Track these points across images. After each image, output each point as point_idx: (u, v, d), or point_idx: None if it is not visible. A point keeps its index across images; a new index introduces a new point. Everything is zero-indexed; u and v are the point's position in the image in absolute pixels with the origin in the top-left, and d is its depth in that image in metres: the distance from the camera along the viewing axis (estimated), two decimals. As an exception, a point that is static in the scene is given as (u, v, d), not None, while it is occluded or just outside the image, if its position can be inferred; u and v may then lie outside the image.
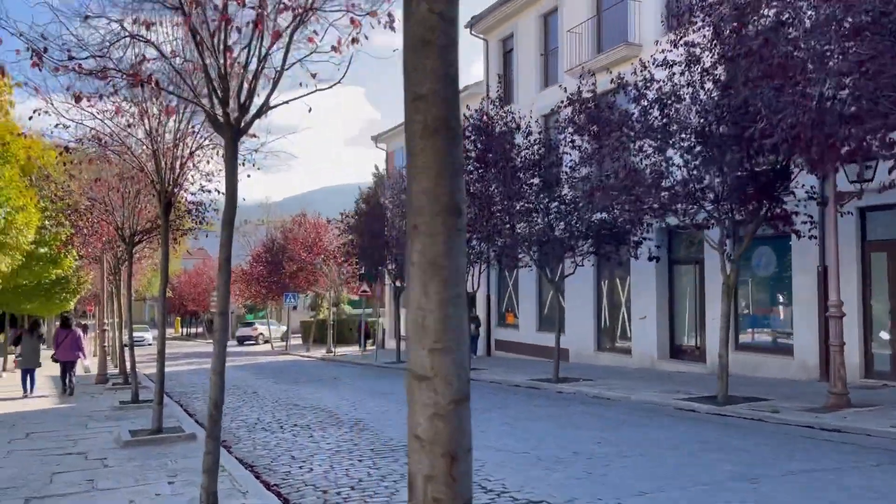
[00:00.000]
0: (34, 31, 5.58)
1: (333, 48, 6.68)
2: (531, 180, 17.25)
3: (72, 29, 5.69)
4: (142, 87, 5.90)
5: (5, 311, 29.47)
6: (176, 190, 10.14)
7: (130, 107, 9.21)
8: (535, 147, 17.49)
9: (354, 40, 6.22)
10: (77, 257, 20.87)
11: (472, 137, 17.88)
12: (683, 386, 15.02)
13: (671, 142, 12.66)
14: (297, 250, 37.08)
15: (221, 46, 5.76)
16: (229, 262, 6.22)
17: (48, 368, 22.34)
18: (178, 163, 9.64)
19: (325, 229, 37.04)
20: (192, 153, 9.74)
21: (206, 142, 9.65)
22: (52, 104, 8.98)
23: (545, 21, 24.45)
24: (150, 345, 49.85)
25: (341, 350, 35.07)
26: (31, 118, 8.71)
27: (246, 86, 6.01)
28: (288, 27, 5.82)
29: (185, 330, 77.84)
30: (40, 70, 5.50)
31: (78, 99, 6.25)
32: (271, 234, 44.16)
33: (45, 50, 5.53)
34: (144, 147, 10.21)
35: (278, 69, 6.52)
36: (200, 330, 73.91)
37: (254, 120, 6.19)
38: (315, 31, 6.33)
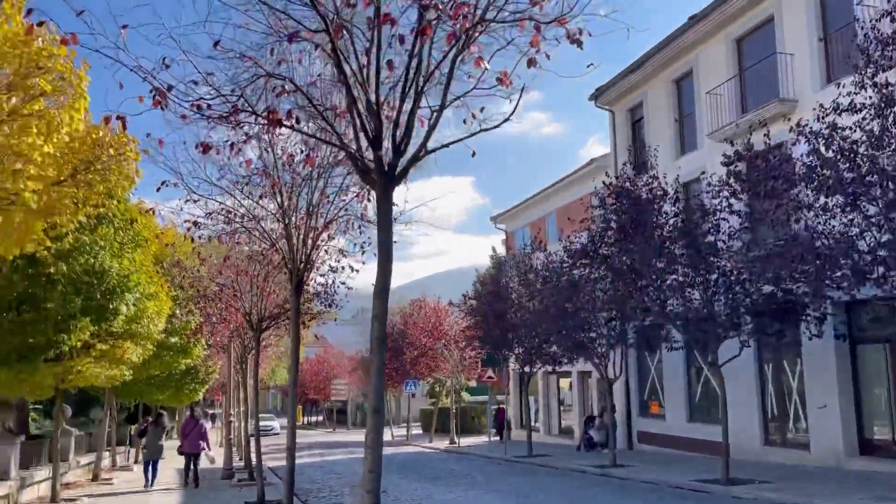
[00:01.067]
0: (154, 71, 4.64)
1: (499, 80, 5.43)
2: (682, 250, 15.36)
3: (199, 68, 4.72)
4: (279, 125, 4.87)
5: (138, 401, 29.78)
6: (307, 268, 9.20)
7: (261, 163, 8.33)
8: (684, 214, 15.69)
9: (531, 62, 4.93)
10: (206, 346, 20.52)
11: (615, 205, 16.29)
12: (889, 491, 12.26)
13: (871, 196, 10.60)
14: (418, 335, 36.02)
15: (374, 69, 4.62)
16: (384, 342, 4.92)
17: (175, 461, 21.95)
18: (311, 235, 8.65)
19: (446, 313, 35.90)
20: (327, 224, 8.74)
21: (346, 204, 8.59)
22: (180, 176, 8.33)
23: (678, 86, 22.93)
24: (276, 433, 49.62)
25: (465, 441, 33.12)
26: (158, 189, 8.08)
27: (402, 124, 4.83)
28: (453, 47, 4.65)
29: (305, 418, 78.06)
30: (163, 110, 4.53)
31: (206, 149, 5.27)
32: (390, 320, 43.55)
33: (170, 88, 4.57)
34: (276, 223, 9.42)
35: (435, 108, 5.34)
36: (321, 418, 73.88)
37: (409, 166, 4.99)
38: (480, 57, 5.13)
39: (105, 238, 9.93)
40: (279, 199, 8.91)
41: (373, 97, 4.75)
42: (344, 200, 8.69)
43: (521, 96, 5.32)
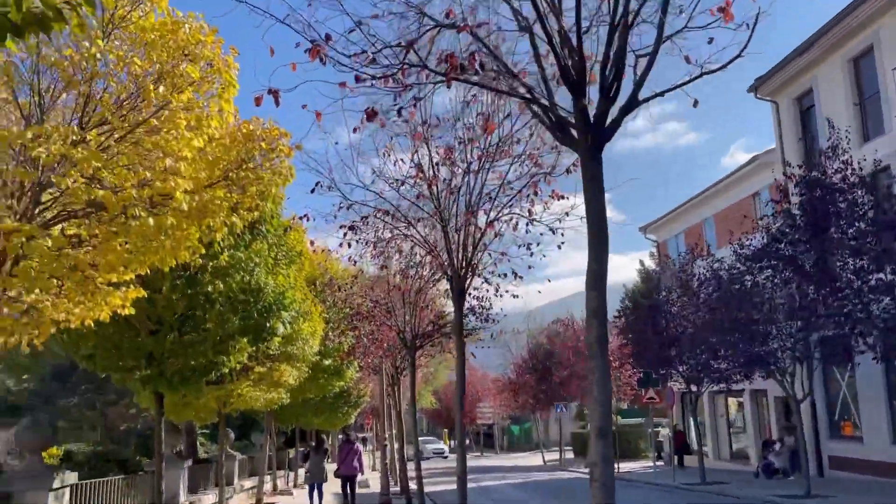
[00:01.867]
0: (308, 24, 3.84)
1: (722, 9, 4.23)
2: (885, 245, 13.13)
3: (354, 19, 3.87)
4: (460, 70, 3.92)
5: (295, 425, 30.23)
6: (470, 273, 8.26)
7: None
8: (887, 203, 13.47)
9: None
10: (358, 368, 20.23)
11: (805, 196, 14.26)
12: None
13: None
14: (567, 355, 34.42)
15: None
16: (605, 342, 3.82)
17: (332, 484, 21.83)
18: (472, 233, 7.69)
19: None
20: (490, 223, 7.77)
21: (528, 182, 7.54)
22: (332, 179, 7.69)
23: (855, 65, 20.34)
24: (445, 457, 49.02)
25: (625, 465, 30.99)
26: (312, 190, 7.44)
27: (610, 61, 3.77)
28: None
29: (452, 443, 77.70)
30: (323, 63, 3.73)
31: (371, 116, 4.42)
32: (536, 339, 42.19)
33: (328, 38, 3.76)
34: (433, 228, 8.57)
35: (641, 51, 4.22)
36: (467, 442, 73.13)
37: (622, 116, 3.89)
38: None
39: (259, 254, 9.58)
40: (435, 200, 8.06)
41: (571, 30, 3.73)
42: (513, 187, 7.63)
43: (755, 24, 4.08)
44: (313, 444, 20.47)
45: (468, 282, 8.30)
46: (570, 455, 44.30)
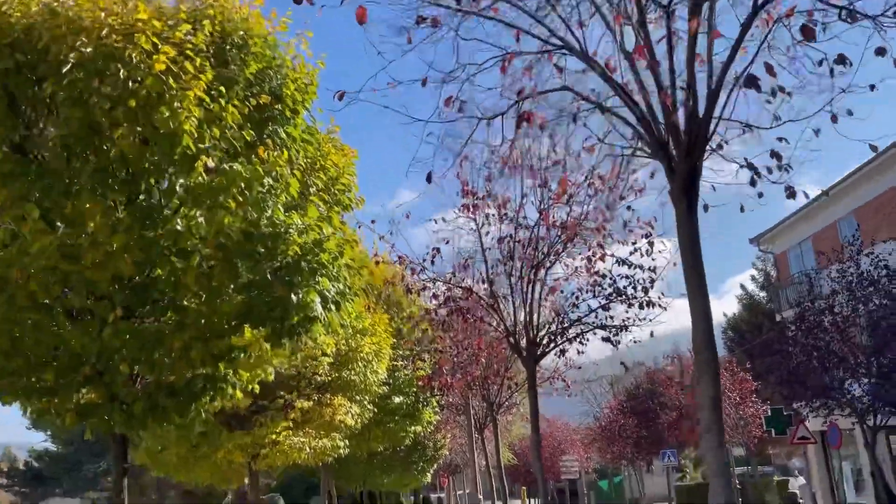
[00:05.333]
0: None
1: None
2: None
3: None
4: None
5: (362, 488, 25.34)
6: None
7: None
8: None
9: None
10: (437, 407, 15.43)
11: None
12: None
13: None
14: (674, 395, 28.79)
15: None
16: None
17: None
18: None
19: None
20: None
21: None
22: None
23: None
24: None
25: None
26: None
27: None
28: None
29: (531, 501, 70.87)
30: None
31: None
32: (632, 382, 36.61)
33: None
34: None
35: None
36: (549, 499, 66.34)
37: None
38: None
39: (275, 168, 5.11)
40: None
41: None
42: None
43: None
44: None
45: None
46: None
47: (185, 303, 5.10)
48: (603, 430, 35.42)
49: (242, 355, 5.88)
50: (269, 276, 5.05)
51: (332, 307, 5.79)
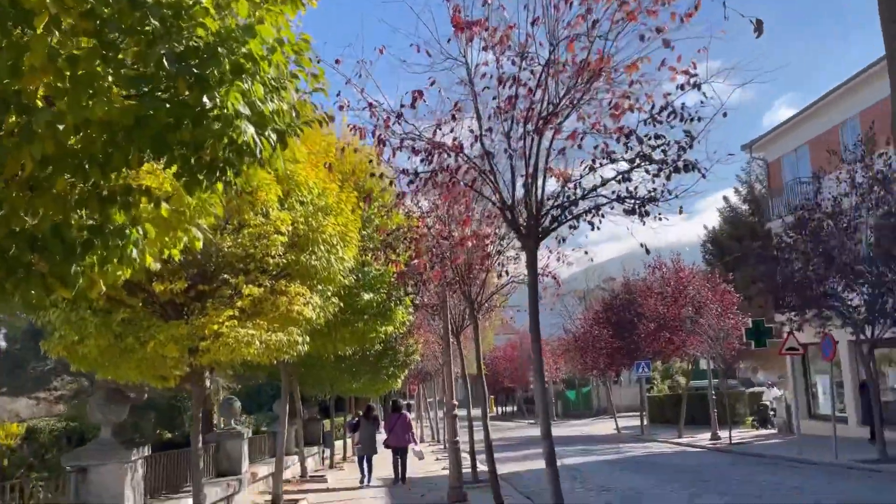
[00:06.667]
0: None
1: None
2: None
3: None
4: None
5: (330, 394, 24.20)
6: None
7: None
8: None
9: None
10: (412, 307, 13.93)
11: None
12: None
13: None
14: (654, 305, 27.77)
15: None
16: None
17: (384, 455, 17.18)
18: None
19: (693, 277, 27.33)
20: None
21: None
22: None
23: None
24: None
25: (726, 434, 24.33)
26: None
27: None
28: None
29: (499, 409, 71.76)
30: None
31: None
32: (612, 290, 35.71)
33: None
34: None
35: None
36: (515, 409, 67.11)
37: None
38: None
39: None
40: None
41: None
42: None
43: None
44: (361, 412, 18.53)
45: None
46: (630, 422, 37.61)
47: (37, 101, 3.28)
48: (576, 340, 34.63)
49: (145, 201, 4.10)
50: (165, 63, 3.25)
51: (273, 136, 3.99)
